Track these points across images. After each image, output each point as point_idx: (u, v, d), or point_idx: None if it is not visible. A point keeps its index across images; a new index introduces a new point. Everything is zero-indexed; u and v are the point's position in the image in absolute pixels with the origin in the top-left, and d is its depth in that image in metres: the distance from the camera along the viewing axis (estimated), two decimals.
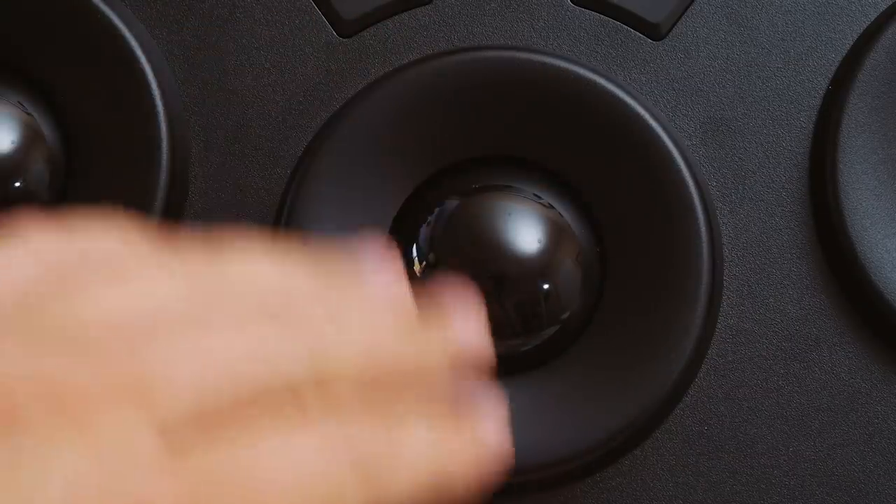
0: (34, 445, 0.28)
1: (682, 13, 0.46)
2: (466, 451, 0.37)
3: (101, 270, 0.33)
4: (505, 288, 0.43)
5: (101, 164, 0.45)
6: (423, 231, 0.44)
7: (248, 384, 0.32)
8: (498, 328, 0.43)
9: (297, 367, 0.33)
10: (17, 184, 0.44)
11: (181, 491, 0.29)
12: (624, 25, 0.45)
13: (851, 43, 0.45)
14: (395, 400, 0.36)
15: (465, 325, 0.39)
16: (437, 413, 0.37)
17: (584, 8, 0.46)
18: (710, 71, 0.45)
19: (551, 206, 0.44)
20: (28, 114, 0.45)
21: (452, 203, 0.44)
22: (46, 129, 0.45)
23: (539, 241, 0.43)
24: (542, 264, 0.43)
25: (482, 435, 0.38)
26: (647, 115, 0.44)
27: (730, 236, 0.45)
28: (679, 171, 0.44)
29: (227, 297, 0.33)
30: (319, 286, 0.37)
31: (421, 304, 0.39)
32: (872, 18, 0.45)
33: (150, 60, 0.44)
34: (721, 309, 0.45)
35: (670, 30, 0.45)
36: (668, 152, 0.44)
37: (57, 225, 0.34)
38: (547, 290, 0.43)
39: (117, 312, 0.32)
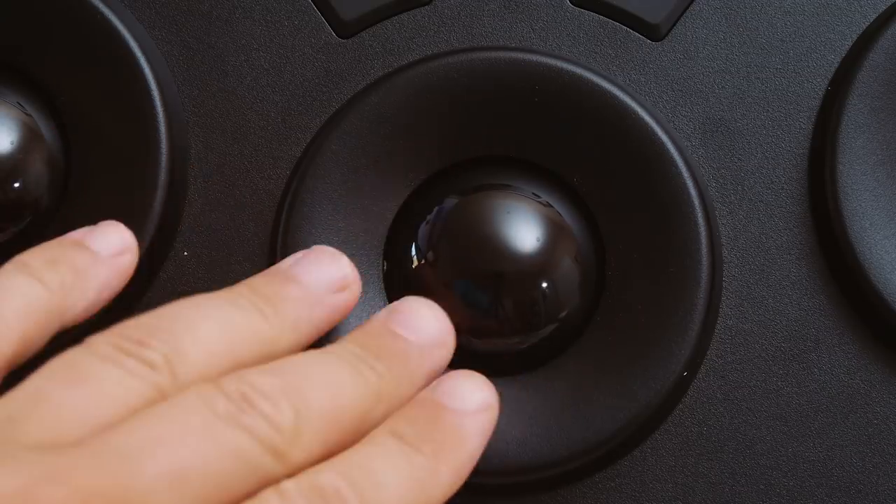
0: None
1: (682, 14, 0.46)
2: (450, 458, 0.37)
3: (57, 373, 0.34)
4: (503, 286, 0.43)
5: (101, 165, 0.45)
6: (422, 230, 0.44)
7: (214, 482, 0.33)
8: (496, 327, 0.43)
9: (261, 458, 0.34)
10: (17, 184, 0.44)
11: None
12: (623, 26, 0.45)
13: (851, 44, 0.45)
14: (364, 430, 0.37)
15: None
16: (406, 421, 0.37)
17: (584, 9, 0.46)
18: (710, 72, 0.45)
19: (550, 206, 0.44)
20: (27, 114, 0.45)
21: (451, 202, 0.44)
22: (46, 129, 0.45)
23: (538, 240, 0.43)
24: (540, 263, 0.43)
25: (467, 405, 0.38)
26: (646, 116, 0.44)
27: (729, 237, 0.45)
28: (678, 171, 0.44)
29: (182, 389, 0.35)
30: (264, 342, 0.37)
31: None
32: (871, 19, 0.46)
33: (149, 61, 0.44)
34: (720, 310, 0.45)
35: (669, 31, 0.46)
36: (668, 153, 0.44)
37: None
38: (545, 288, 0.43)
39: (79, 420, 0.33)
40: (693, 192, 0.43)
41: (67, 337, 0.39)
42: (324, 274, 0.40)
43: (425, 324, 0.39)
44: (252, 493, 0.34)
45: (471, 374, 0.39)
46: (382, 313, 0.40)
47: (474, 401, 0.38)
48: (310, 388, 0.35)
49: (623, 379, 0.43)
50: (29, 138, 0.45)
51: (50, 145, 0.45)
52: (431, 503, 0.36)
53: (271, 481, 0.34)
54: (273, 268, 0.40)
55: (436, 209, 0.44)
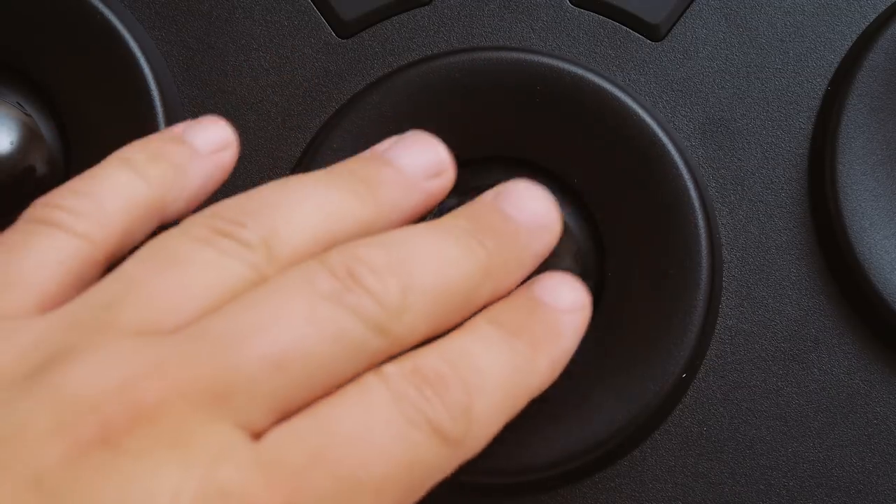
0: (134, 464, 0.29)
1: (681, 14, 0.46)
2: (546, 349, 0.37)
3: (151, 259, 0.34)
4: None
5: None
6: None
7: (316, 364, 0.32)
8: None
9: (364, 337, 0.33)
10: (17, 184, 0.44)
11: (277, 489, 0.30)
12: (623, 26, 0.45)
13: (850, 44, 0.45)
14: (464, 314, 0.36)
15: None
16: (505, 313, 0.37)
17: (583, 9, 0.46)
18: (709, 72, 0.45)
19: None
20: (27, 114, 0.45)
21: (451, 202, 0.44)
22: (46, 129, 0.45)
23: None
24: (540, 264, 0.43)
25: (560, 304, 0.38)
26: (646, 116, 0.44)
27: (729, 237, 0.45)
28: (678, 172, 0.43)
29: (279, 274, 0.34)
30: (367, 222, 0.36)
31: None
32: (871, 19, 0.46)
33: (148, 61, 0.44)
34: (720, 310, 0.45)
35: (669, 31, 0.46)
36: (668, 153, 0.44)
37: None
38: None
39: (176, 306, 0.33)
40: (693, 192, 0.43)
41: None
42: (419, 158, 0.38)
43: (533, 205, 0.38)
44: (358, 373, 0.33)
45: (565, 274, 0.39)
46: (490, 194, 0.38)
47: (570, 299, 0.38)
48: (417, 263, 0.35)
49: (623, 379, 0.43)
50: (29, 138, 0.45)
51: (50, 145, 0.45)
52: (527, 392, 0.36)
53: (376, 359, 0.33)
54: (368, 151, 0.39)
55: (436, 210, 0.44)
